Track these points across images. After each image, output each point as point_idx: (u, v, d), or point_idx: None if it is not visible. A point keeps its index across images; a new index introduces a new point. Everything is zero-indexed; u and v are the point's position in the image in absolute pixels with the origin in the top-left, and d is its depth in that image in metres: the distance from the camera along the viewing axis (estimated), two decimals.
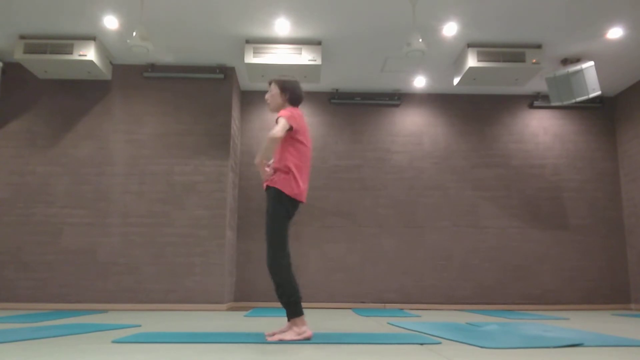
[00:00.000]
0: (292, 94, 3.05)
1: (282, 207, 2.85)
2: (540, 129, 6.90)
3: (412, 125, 6.87)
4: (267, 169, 2.95)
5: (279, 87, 3.06)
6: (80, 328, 3.31)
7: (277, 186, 2.86)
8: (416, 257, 6.51)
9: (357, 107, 6.88)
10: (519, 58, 5.50)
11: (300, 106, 3.18)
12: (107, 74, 5.85)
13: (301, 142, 2.94)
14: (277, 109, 3.07)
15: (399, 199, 6.65)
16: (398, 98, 6.88)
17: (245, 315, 4.67)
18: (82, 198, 5.83)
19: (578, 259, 6.58)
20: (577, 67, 5.61)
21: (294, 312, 2.78)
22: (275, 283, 2.78)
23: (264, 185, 2.95)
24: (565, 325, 3.95)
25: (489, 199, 6.69)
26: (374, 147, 6.78)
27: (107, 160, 5.93)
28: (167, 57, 6.00)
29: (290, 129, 2.88)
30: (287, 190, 2.85)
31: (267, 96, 3.13)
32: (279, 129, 2.81)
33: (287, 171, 2.88)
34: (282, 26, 5.22)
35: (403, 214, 6.62)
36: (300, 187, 2.90)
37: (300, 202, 2.93)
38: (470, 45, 5.55)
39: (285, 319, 4.32)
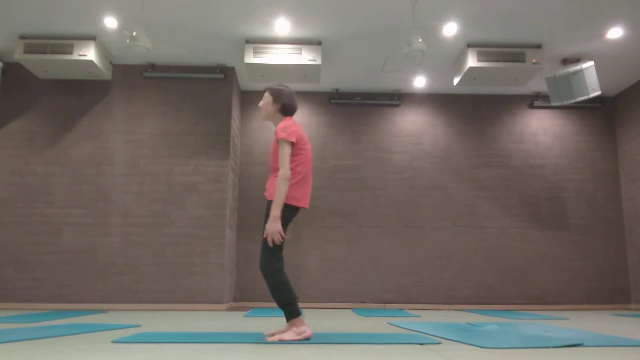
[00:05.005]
0: (284, 104, 3.04)
1: (282, 216, 2.84)
2: (540, 129, 6.90)
3: (412, 125, 6.87)
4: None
5: (272, 96, 3.06)
6: (80, 328, 3.30)
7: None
8: (416, 257, 6.51)
9: (357, 107, 6.88)
10: (519, 58, 5.50)
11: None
12: (107, 74, 5.84)
13: (302, 149, 2.93)
14: (268, 117, 3.10)
15: (399, 199, 6.65)
16: (398, 98, 6.88)
17: (245, 315, 4.67)
18: (82, 198, 5.83)
19: (578, 259, 6.58)
20: (577, 67, 5.61)
21: (291, 312, 2.77)
22: (270, 285, 2.78)
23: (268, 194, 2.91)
24: (565, 325, 3.95)
25: (489, 199, 6.69)
26: (374, 147, 6.78)
27: (107, 160, 5.93)
28: (167, 57, 6.00)
29: (292, 144, 2.88)
30: (288, 201, 2.84)
31: (260, 103, 3.16)
32: (285, 163, 2.80)
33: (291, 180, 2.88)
34: (282, 26, 5.22)
35: (403, 214, 6.62)
36: (302, 193, 2.88)
37: (303, 207, 2.92)
38: (470, 45, 5.55)
39: (284, 319, 4.33)
